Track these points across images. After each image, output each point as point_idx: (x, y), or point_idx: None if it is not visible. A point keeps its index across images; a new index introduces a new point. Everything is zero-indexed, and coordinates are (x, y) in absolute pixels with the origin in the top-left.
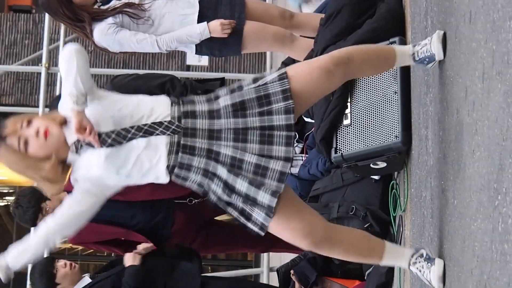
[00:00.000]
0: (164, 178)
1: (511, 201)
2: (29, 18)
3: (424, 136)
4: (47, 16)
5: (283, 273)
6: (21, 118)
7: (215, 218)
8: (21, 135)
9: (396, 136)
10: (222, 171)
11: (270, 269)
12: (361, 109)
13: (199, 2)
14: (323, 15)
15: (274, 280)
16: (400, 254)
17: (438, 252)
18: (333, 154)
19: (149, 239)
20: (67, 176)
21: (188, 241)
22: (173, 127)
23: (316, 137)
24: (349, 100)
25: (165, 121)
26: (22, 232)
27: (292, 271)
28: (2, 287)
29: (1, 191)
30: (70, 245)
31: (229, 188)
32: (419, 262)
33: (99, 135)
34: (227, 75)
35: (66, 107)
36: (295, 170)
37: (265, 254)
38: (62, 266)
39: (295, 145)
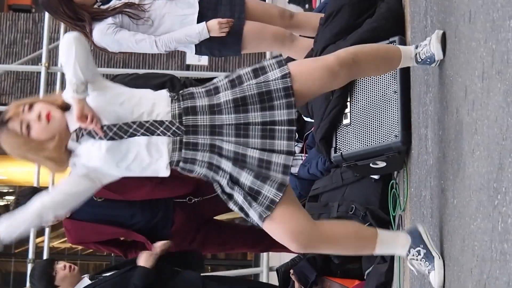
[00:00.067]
0: (164, 173)
1: (510, 201)
2: (29, 18)
3: (423, 135)
4: (47, 15)
5: (282, 272)
6: (23, 102)
7: (215, 217)
8: (23, 119)
9: (396, 136)
10: (226, 165)
11: (270, 269)
12: (360, 109)
13: (199, 2)
14: (322, 15)
15: (274, 279)
16: (395, 243)
17: (438, 251)
18: (332, 154)
19: (149, 239)
20: (69, 159)
21: (187, 240)
22: (173, 128)
23: (316, 136)
24: (348, 100)
25: (166, 121)
26: None
27: (291, 271)
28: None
29: (1, 190)
30: (70, 244)
31: (233, 181)
32: (416, 259)
33: (101, 126)
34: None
35: (67, 95)
36: (294, 170)
37: (265, 254)
38: (61, 269)
39: (294, 144)
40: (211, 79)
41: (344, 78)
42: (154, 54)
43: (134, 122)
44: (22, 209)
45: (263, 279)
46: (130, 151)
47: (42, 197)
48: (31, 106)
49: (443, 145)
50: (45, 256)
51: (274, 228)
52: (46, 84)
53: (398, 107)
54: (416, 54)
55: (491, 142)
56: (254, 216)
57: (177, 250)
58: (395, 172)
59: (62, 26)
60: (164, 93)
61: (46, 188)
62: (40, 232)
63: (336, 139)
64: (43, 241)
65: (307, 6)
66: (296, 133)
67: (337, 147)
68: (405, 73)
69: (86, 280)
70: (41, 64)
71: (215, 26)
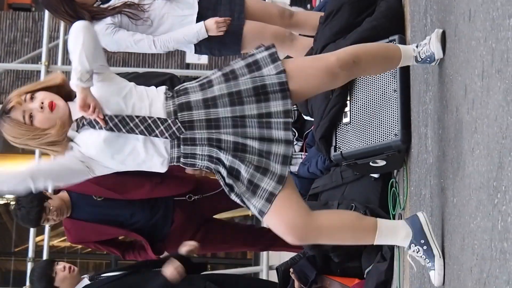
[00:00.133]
0: (159, 169)
1: (510, 199)
2: (28, 16)
3: (423, 134)
4: (46, 14)
5: (282, 271)
6: (24, 91)
7: (214, 216)
8: (26, 108)
9: (396, 134)
10: (226, 158)
11: (270, 268)
12: (360, 107)
13: (198, 2)
14: (322, 14)
15: (274, 278)
16: (396, 234)
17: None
18: (332, 152)
19: (149, 238)
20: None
21: (186, 239)
22: (174, 128)
23: (316, 135)
24: (348, 98)
25: (167, 119)
26: (22, 231)
27: (291, 270)
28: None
29: None
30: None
31: (234, 175)
32: (416, 256)
33: (103, 116)
34: None
35: (71, 83)
36: (294, 168)
37: (265, 253)
38: (61, 270)
39: (294, 143)
40: None
41: (344, 79)
42: (154, 53)
43: (137, 117)
44: (14, 169)
45: (263, 277)
46: (127, 145)
47: (40, 162)
48: (32, 95)
49: (443, 144)
50: (45, 255)
51: (272, 220)
52: None
53: (398, 106)
54: (416, 53)
55: (491, 141)
56: (254, 210)
57: (176, 250)
58: (395, 171)
59: (62, 25)
60: (160, 91)
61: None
62: (40, 231)
63: (336, 138)
64: (43, 240)
65: (308, 6)
66: (296, 132)
67: (337, 146)
68: (405, 71)
69: (86, 281)
70: (41, 63)
71: (213, 26)
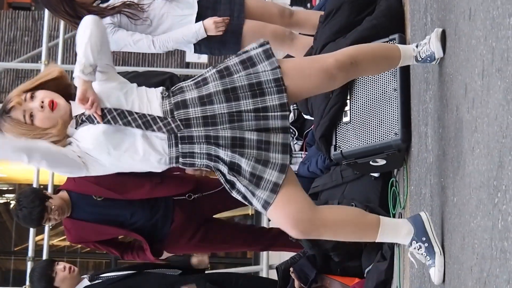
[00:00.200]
0: (156, 167)
1: (510, 199)
2: (28, 15)
3: (423, 133)
4: (46, 13)
5: (282, 270)
6: (23, 89)
7: (214, 216)
8: (26, 108)
9: (396, 134)
10: (225, 154)
11: (270, 267)
12: (360, 107)
13: (198, 2)
14: (322, 13)
15: (274, 277)
16: (398, 231)
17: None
18: (332, 152)
19: (149, 238)
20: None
21: (186, 238)
22: (173, 125)
23: (316, 134)
24: (348, 98)
25: (164, 118)
26: (22, 230)
27: (291, 269)
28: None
29: (1, 188)
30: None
31: (235, 170)
32: (417, 253)
33: (101, 110)
34: None
35: (74, 75)
36: (294, 168)
37: (265, 252)
38: (61, 270)
39: (294, 142)
40: None
41: (342, 80)
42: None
43: (136, 113)
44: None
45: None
46: (125, 141)
47: (39, 142)
48: (32, 94)
49: (443, 143)
50: (44, 254)
51: (276, 213)
52: None
53: (398, 105)
54: (416, 53)
55: (491, 140)
56: (257, 205)
57: (176, 250)
58: (395, 170)
59: (62, 24)
60: (157, 91)
61: (45, 186)
62: (39, 230)
63: (336, 137)
64: (42, 239)
65: (308, 5)
66: (296, 131)
67: (337, 145)
68: (405, 71)
69: (86, 281)
70: (40, 62)
71: (211, 26)
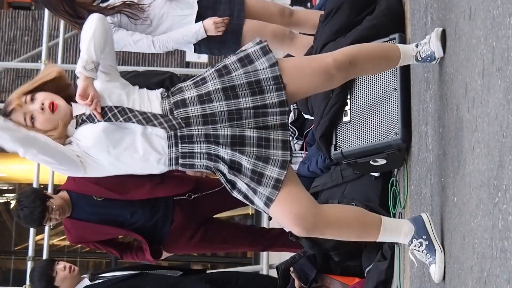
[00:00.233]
0: (155, 168)
1: (511, 198)
2: (28, 15)
3: (424, 133)
4: (46, 12)
5: (282, 270)
6: (23, 91)
7: (214, 216)
8: (27, 110)
9: (396, 133)
10: (225, 152)
11: (270, 266)
12: (360, 106)
13: (198, 2)
14: (322, 12)
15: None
16: (399, 231)
17: (440, 242)
18: (332, 151)
19: (148, 238)
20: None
21: (186, 238)
22: (174, 122)
23: (316, 134)
24: (348, 97)
25: (165, 115)
26: (22, 230)
27: (291, 268)
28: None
29: (1, 188)
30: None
31: (235, 168)
32: (418, 250)
33: (102, 108)
34: None
35: (76, 71)
36: (294, 167)
37: (265, 252)
38: (61, 269)
39: (294, 142)
40: None
41: (340, 80)
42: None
43: (137, 110)
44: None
45: None
46: (124, 140)
47: (38, 135)
48: (33, 96)
49: (443, 142)
50: (44, 254)
51: (279, 211)
52: None
53: (398, 105)
54: (416, 52)
55: (491, 139)
56: (259, 203)
57: (176, 249)
58: (395, 170)
59: (62, 23)
60: (157, 92)
61: (46, 185)
62: (40, 230)
63: (336, 137)
64: (42, 239)
65: (308, 4)
66: (296, 130)
67: (337, 145)
68: (405, 70)
69: (86, 281)
70: (40, 62)
71: (211, 26)
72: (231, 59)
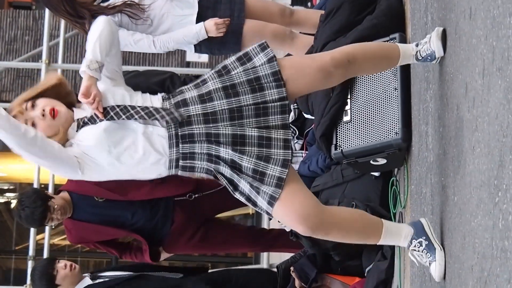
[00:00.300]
0: (155, 169)
1: (511, 198)
2: (29, 15)
3: (424, 132)
4: (47, 12)
5: (283, 270)
6: (24, 98)
7: (215, 216)
8: (28, 117)
9: (396, 133)
10: (226, 152)
11: (270, 266)
12: (361, 106)
13: (198, 2)
14: (323, 12)
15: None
16: (399, 234)
17: (440, 244)
18: (333, 151)
19: (149, 239)
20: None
21: (186, 239)
22: (175, 114)
23: (316, 133)
24: (349, 97)
25: (167, 108)
26: (22, 229)
27: (292, 268)
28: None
29: (1, 187)
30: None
31: (237, 168)
32: (418, 250)
33: (104, 108)
34: None
35: (80, 70)
36: (295, 167)
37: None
38: (62, 268)
39: (295, 141)
40: None
41: (339, 78)
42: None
43: (139, 106)
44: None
45: None
46: (125, 139)
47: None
48: (33, 103)
49: (443, 142)
50: (45, 253)
51: (283, 210)
52: None
53: (399, 104)
54: (416, 52)
55: (492, 139)
56: (263, 204)
57: (176, 250)
58: (396, 169)
59: (63, 23)
60: (159, 95)
61: (46, 185)
62: (40, 230)
63: (337, 136)
64: (43, 238)
65: (309, 4)
66: (297, 130)
67: (338, 144)
68: (406, 70)
69: (88, 280)
70: (41, 61)
71: (212, 27)
72: (230, 59)
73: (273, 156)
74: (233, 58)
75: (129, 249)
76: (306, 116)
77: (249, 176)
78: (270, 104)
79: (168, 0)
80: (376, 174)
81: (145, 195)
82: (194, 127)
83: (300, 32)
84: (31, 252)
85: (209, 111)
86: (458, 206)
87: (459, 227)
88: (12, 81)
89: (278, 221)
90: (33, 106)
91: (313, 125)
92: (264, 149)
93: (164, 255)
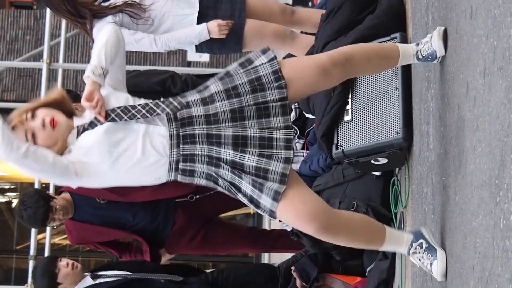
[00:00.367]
0: (154, 171)
1: None
2: (30, 14)
3: (425, 132)
4: (48, 12)
5: (284, 269)
6: (25, 109)
7: (216, 217)
8: (28, 128)
9: (397, 132)
10: (227, 153)
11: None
12: (362, 105)
13: (199, 2)
14: (324, 11)
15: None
16: (400, 240)
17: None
18: (334, 150)
19: (150, 240)
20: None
21: (187, 239)
22: (175, 103)
23: (317, 133)
24: (350, 96)
25: (166, 99)
26: (23, 229)
27: (293, 268)
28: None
29: (2, 187)
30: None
31: (238, 169)
32: (419, 252)
33: (105, 112)
34: None
35: (84, 76)
36: (296, 167)
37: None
38: (64, 266)
39: (296, 141)
40: (213, 75)
41: (338, 77)
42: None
43: (139, 104)
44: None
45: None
46: (126, 139)
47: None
48: (33, 113)
49: (444, 141)
50: (46, 253)
51: (290, 209)
52: (47, 80)
53: (400, 104)
54: (417, 51)
55: (493, 138)
56: (267, 201)
57: (177, 251)
58: (397, 169)
59: (64, 23)
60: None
61: (47, 185)
62: (41, 229)
63: (338, 136)
64: (44, 238)
65: (310, 4)
66: (298, 130)
67: (339, 144)
68: (406, 69)
69: (89, 279)
70: (42, 61)
71: (215, 28)
72: (233, 66)
73: (275, 155)
74: (235, 64)
75: (129, 250)
76: (307, 115)
77: (252, 174)
78: (271, 104)
79: None
80: (377, 173)
81: (146, 196)
82: (196, 127)
83: (301, 32)
84: (32, 251)
85: (211, 112)
86: (459, 206)
87: (460, 227)
88: (13, 80)
89: (280, 221)
90: (33, 116)
91: (314, 125)
92: (266, 150)
93: (166, 258)
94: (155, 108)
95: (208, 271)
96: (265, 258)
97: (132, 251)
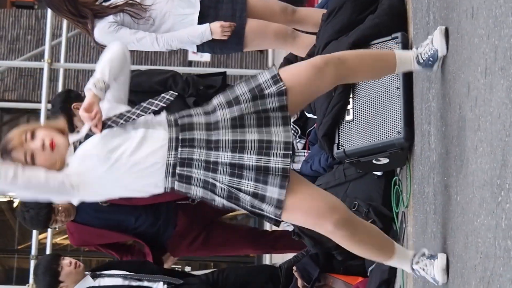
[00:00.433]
0: (150, 174)
1: None
2: (31, 14)
3: (426, 131)
4: (49, 11)
5: (285, 269)
6: (25, 130)
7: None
8: (27, 149)
9: (399, 132)
10: (224, 156)
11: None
12: (363, 105)
13: (200, 1)
14: (325, 11)
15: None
16: (406, 257)
17: (441, 248)
18: (335, 150)
19: (151, 243)
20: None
21: (188, 241)
22: (167, 96)
23: (318, 133)
24: (351, 96)
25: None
26: (25, 229)
27: (294, 268)
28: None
29: None
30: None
31: (237, 175)
32: (422, 261)
33: (103, 122)
34: (229, 71)
35: (85, 88)
36: (297, 166)
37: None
38: (67, 265)
39: (297, 141)
40: (213, 75)
41: (332, 77)
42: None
43: (135, 107)
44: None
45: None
46: (123, 145)
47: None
48: (33, 134)
49: (446, 141)
50: (47, 253)
51: (306, 205)
52: (48, 80)
53: (401, 104)
54: (417, 54)
55: (494, 138)
56: (273, 193)
57: (178, 253)
58: (398, 169)
59: (65, 23)
60: (162, 114)
61: None
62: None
63: (339, 136)
64: (45, 238)
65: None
66: (299, 129)
67: (340, 144)
68: None
69: (89, 279)
70: (43, 61)
71: (218, 29)
72: (238, 84)
73: (272, 152)
74: (241, 83)
75: (131, 252)
76: (308, 115)
77: (251, 180)
78: (271, 114)
79: None
80: (379, 173)
81: (148, 199)
82: (196, 132)
83: (302, 31)
84: (33, 251)
85: (212, 121)
86: (461, 206)
87: (462, 227)
88: (15, 80)
89: (282, 221)
90: (32, 136)
91: (315, 124)
92: (264, 150)
93: (171, 260)
94: (149, 106)
95: (208, 271)
96: (266, 258)
97: (135, 254)
